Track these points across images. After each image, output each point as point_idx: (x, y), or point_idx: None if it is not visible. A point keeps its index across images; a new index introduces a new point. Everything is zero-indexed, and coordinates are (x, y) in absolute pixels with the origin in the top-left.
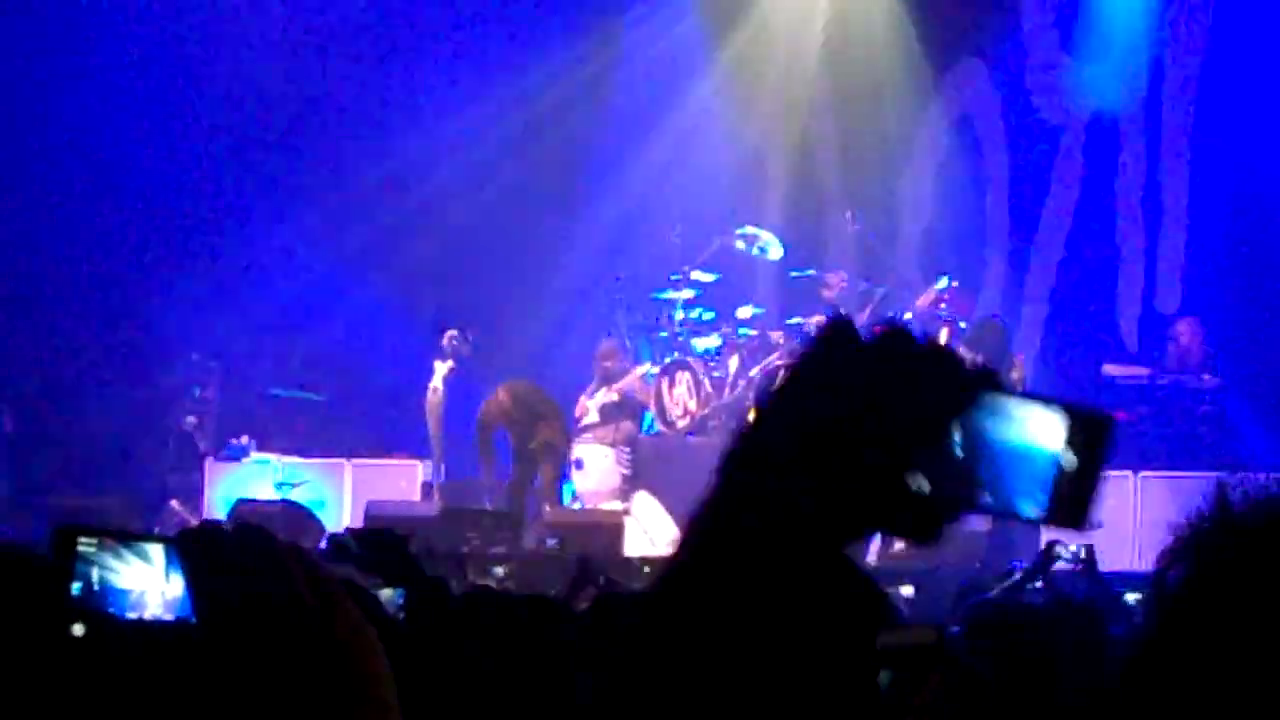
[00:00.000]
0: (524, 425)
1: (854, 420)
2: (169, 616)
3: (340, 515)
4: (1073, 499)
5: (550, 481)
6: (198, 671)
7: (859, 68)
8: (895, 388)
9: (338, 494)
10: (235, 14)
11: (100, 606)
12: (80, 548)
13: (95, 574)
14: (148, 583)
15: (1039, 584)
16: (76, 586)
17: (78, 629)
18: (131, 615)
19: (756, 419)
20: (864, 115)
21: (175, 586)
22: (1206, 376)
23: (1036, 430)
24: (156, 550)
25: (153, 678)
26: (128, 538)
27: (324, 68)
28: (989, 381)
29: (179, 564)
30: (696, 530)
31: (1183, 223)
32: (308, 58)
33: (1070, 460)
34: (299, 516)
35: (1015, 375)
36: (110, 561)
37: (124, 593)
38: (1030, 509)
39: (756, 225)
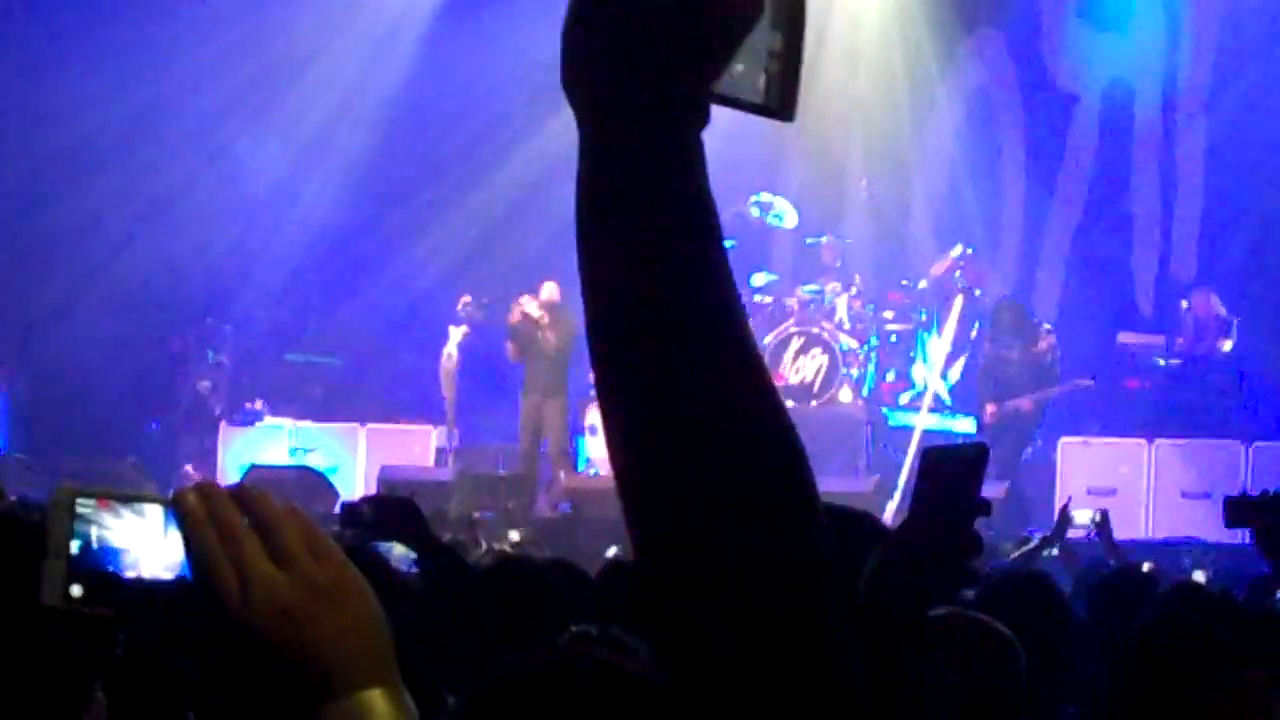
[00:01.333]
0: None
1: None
2: (168, 576)
3: (354, 480)
4: (782, 82)
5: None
6: (195, 630)
7: (876, 36)
8: None
9: (352, 459)
10: None
11: (98, 566)
12: (79, 508)
13: (94, 533)
14: (146, 542)
15: (1055, 551)
16: (75, 546)
17: (76, 589)
18: (130, 574)
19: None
20: (881, 84)
21: (173, 546)
22: (1222, 343)
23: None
24: (154, 510)
25: (151, 636)
26: (126, 497)
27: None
28: None
29: (176, 523)
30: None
31: (1199, 190)
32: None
33: (776, 40)
34: (313, 481)
35: (1044, 345)
36: (108, 521)
37: (122, 552)
38: (747, 95)
39: (771, 192)
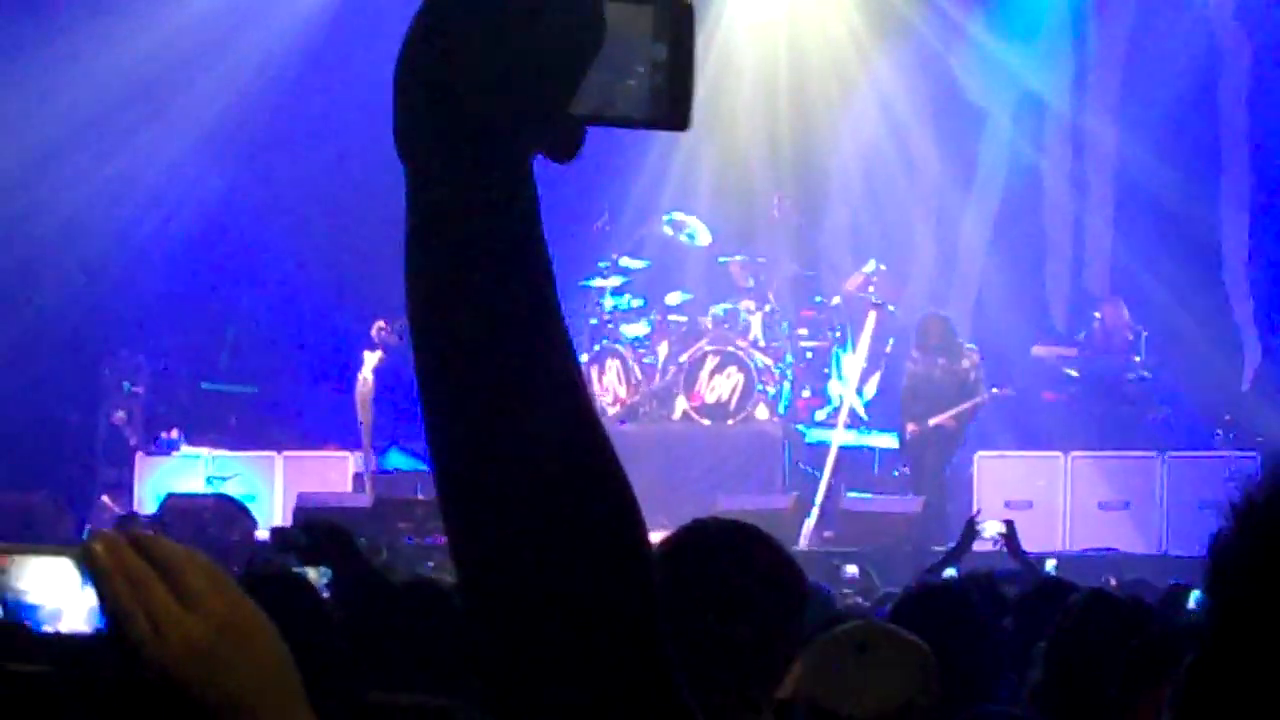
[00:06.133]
0: None
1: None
2: (86, 628)
3: (271, 508)
4: (671, 93)
5: None
6: (115, 683)
7: (786, 53)
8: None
9: (269, 487)
10: None
11: (15, 621)
12: None
13: (6, 590)
14: (63, 595)
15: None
16: None
17: None
18: (48, 629)
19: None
20: (791, 100)
21: (90, 597)
22: (1131, 355)
23: (622, 29)
24: (67, 563)
25: (71, 689)
26: (25, 551)
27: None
28: None
29: (88, 574)
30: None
31: (1109, 202)
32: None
33: (660, 52)
34: (230, 510)
35: (966, 364)
36: (20, 576)
37: (37, 607)
38: (636, 110)
39: (684, 211)
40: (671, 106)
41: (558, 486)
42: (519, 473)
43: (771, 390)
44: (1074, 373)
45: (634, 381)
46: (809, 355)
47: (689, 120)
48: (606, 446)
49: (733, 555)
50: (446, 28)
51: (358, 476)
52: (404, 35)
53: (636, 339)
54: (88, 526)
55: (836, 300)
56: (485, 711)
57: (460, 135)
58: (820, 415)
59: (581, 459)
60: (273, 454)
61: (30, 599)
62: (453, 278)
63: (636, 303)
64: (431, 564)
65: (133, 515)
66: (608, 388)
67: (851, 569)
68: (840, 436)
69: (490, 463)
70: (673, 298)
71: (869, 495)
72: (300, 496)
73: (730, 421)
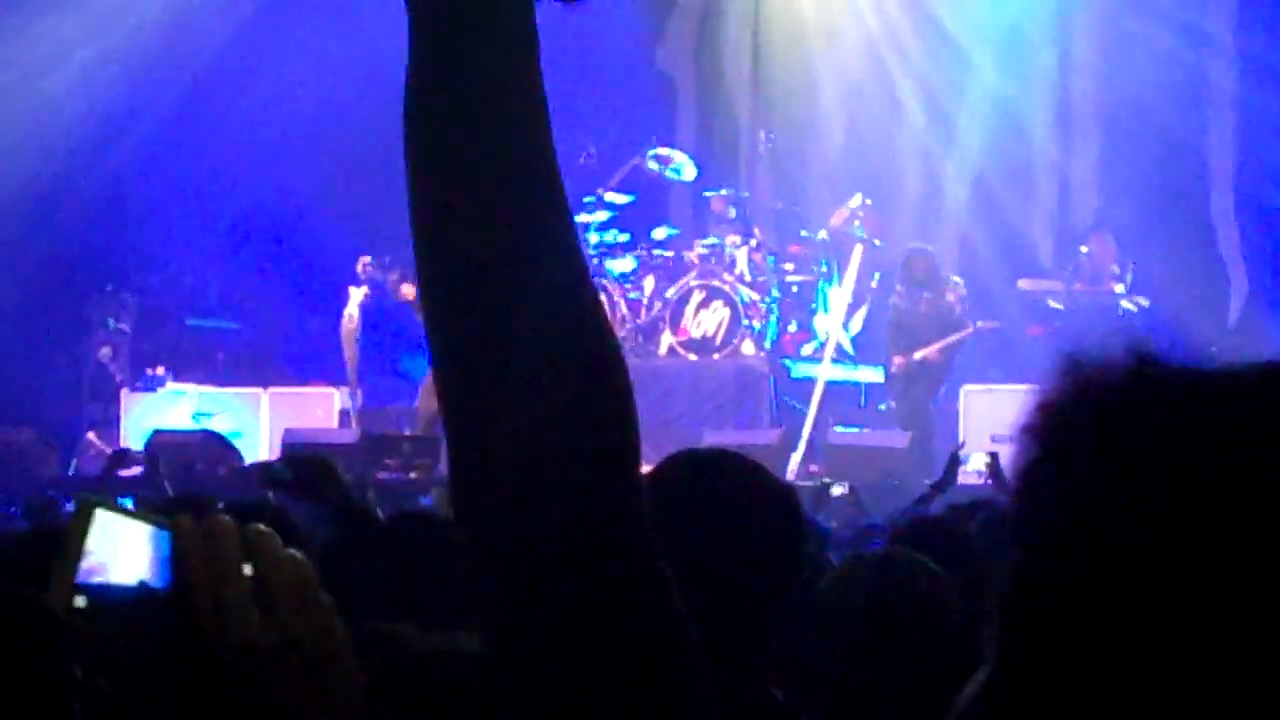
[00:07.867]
0: None
1: None
2: (131, 582)
3: (258, 444)
4: None
5: None
6: (159, 637)
7: None
8: None
9: (255, 423)
10: None
11: (106, 581)
12: (97, 520)
13: (109, 547)
14: (118, 549)
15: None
16: (87, 558)
17: (80, 601)
18: (96, 580)
19: None
20: (777, 35)
21: (146, 556)
22: (1118, 288)
23: None
24: (146, 526)
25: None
26: (140, 516)
27: None
28: None
29: (170, 543)
30: None
31: (1095, 136)
32: None
33: None
34: (216, 446)
35: (951, 297)
36: (120, 534)
37: (89, 553)
38: None
39: (669, 146)
40: None
41: (553, 359)
42: (514, 339)
43: (757, 325)
44: (1059, 306)
45: (620, 317)
46: (795, 290)
47: None
48: (600, 311)
49: (723, 482)
50: None
51: (344, 413)
52: None
53: (622, 274)
54: (74, 462)
55: (823, 235)
56: (482, 640)
57: None
58: (806, 350)
59: (578, 319)
60: (259, 390)
61: (123, 552)
62: (451, 122)
63: (622, 238)
64: (431, 498)
65: (124, 451)
66: None
67: (839, 489)
68: (826, 371)
69: (486, 327)
70: (658, 232)
71: (856, 429)
72: (287, 432)
73: (716, 356)
